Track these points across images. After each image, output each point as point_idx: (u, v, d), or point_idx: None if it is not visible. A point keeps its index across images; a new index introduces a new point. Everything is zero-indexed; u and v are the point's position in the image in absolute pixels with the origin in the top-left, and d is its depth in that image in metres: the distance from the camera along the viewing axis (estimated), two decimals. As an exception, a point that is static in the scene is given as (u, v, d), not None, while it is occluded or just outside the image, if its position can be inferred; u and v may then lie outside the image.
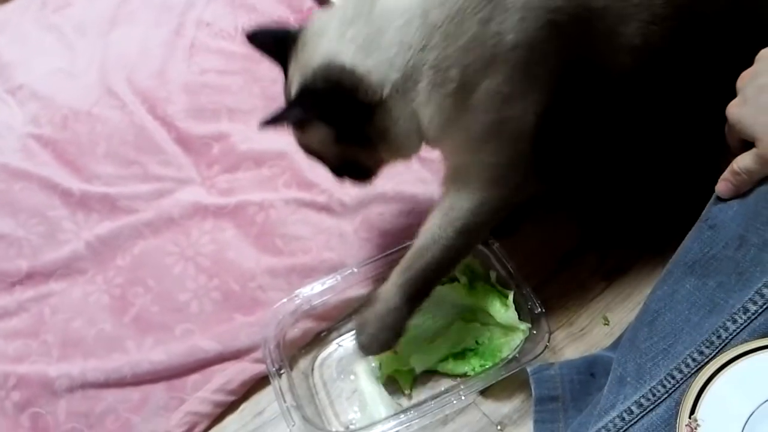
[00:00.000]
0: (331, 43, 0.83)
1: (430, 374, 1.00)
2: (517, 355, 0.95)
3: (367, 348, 0.94)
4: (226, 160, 1.25)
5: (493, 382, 0.93)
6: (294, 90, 0.88)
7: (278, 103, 1.27)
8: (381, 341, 0.92)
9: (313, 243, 1.13)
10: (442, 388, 0.98)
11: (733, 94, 0.80)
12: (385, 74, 0.81)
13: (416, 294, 0.90)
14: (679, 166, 1.05)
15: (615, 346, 0.95)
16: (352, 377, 1.01)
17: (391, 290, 0.91)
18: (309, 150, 0.95)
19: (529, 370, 0.92)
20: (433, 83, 0.82)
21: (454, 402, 0.91)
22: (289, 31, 0.90)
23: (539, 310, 0.96)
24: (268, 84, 1.34)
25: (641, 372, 0.77)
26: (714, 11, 0.87)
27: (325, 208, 1.16)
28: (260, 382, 1.02)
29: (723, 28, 0.88)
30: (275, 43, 0.91)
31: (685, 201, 0.91)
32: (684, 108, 0.95)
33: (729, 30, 0.89)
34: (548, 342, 0.93)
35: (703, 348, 0.75)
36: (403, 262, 0.91)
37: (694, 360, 0.75)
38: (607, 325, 1.01)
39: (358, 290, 1.06)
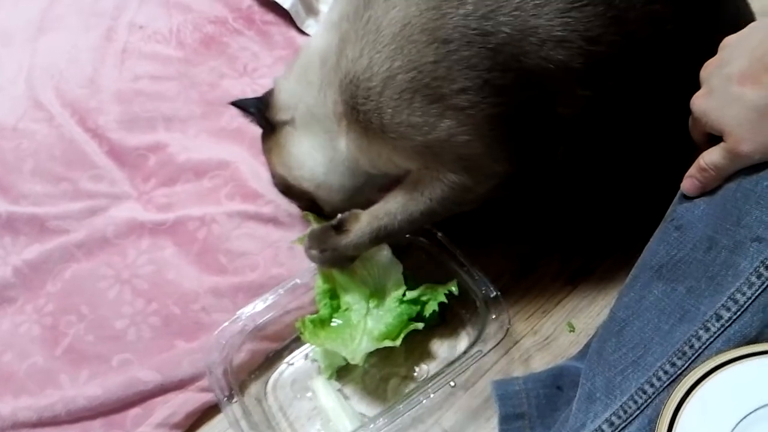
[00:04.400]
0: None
1: (392, 377, 0.95)
2: (480, 340, 0.90)
3: (321, 263, 0.97)
4: (163, 173, 1.18)
5: (457, 375, 0.88)
6: None
7: (217, 108, 1.22)
8: (338, 263, 0.96)
9: (260, 258, 1.06)
10: (407, 390, 0.93)
11: (695, 85, 0.75)
12: (289, 101, 0.97)
13: (384, 238, 0.94)
14: (641, 161, 1.01)
15: (582, 354, 0.90)
16: (309, 395, 0.95)
17: (361, 237, 0.92)
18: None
19: (492, 386, 0.87)
20: (336, 117, 0.91)
21: (423, 401, 0.87)
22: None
23: (494, 293, 0.92)
24: (206, 89, 1.27)
25: (611, 387, 0.72)
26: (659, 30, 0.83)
27: (272, 220, 1.10)
28: (209, 412, 0.96)
29: (675, 37, 0.84)
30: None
31: (649, 198, 0.87)
32: (645, 105, 0.90)
33: (685, 32, 0.84)
34: (509, 325, 0.90)
35: (675, 359, 0.71)
36: (375, 211, 0.93)
37: (666, 372, 0.70)
38: (573, 332, 0.97)
39: (305, 302, 1.00)
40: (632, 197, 1.02)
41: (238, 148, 1.18)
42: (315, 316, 0.96)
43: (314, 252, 0.95)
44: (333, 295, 0.98)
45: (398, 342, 0.91)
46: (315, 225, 0.99)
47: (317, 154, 0.97)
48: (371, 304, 0.96)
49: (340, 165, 0.96)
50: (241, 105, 1.05)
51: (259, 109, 1.01)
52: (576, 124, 0.88)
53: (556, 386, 0.87)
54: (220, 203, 1.13)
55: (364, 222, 0.93)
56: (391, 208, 0.92)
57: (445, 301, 0.94)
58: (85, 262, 1.08)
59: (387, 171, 0.95)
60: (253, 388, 0.97)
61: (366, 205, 0.96)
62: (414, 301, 0.95)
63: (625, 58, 0.82)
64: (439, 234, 0.99)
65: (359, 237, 0.93)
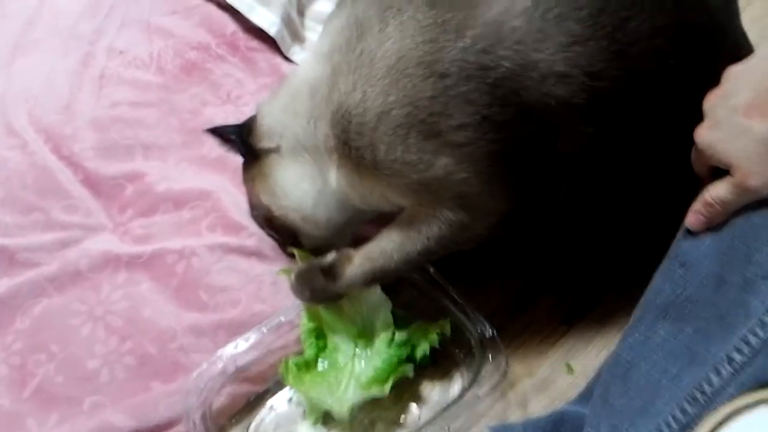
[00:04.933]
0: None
1: (381, 423, 0.91)
2: (476, 382, 0.86)
3: (307, 301, 0.93)
4: (141, 203, 1.12)
5: (452, 421, 0.85)
6: None
7: (199, 137, 1.17)
8: (325, 301, 0.92)
9: (242, 294, 1.01)
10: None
11: (697, 118, 0.72)
12: (275, 128, 0.93)
13: (378, 280, 0.91)
14: (640, 196, 0.98)
15: (583, 398, 0.86)
16: None
17: (355, 273, 0.89)
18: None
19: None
20: (327, 151, 0.87)
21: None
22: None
23: (491, 333, 0.89)
24: (187, 117, 1.22)
25: None
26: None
27: (255, 254, 1.05)
28: None
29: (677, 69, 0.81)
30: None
31: (646, 235, 0.87)
32: (646, 140, 0.88)
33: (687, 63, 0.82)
34: (507, 367, 0.87)
35: (685, 405, 0.67)
36: (368, 252, 0.89)
37: (676, 419, 0.67)
38: (572, 373, 0.93)
39: (290, 341, 0.95)
40: (629, 234, 1.00)
41: (220, 177, 1.13)
42: (300, 358, 0.91)
43: (300, 294, 0.91)
44: (319, 334, 0.93)
45: (386, 389, 0.87)
46: (300, 260, 0.94)
47: (305, 185, 0.93)
48: (359, 346, 0.92)
49: (329, 198, 0.92)
50: (220, 132, 1.02)
51: (241, 136, 0.97)
52: (577, 160, 0.85)
53: (557, 432, 0.83)
54: (200, 235, 1.08)
55: (356, 264, 0.89)
56: (386, 247, 0.88)
57: (437, 345, 0.90)
58: (57, 297, 1.02)
59: (379, 207, 0.91)
60: (234, 434, 0.91)
61: (351, 240, 0.92)
62: (404, 343, 0.91)
63: (628, 92, 0.80)
64: (432, 269, 0.95)
65: (351, 280, 0.89)
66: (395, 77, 0.79)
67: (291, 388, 0.92)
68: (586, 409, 0.82)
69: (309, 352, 0.92)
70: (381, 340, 0.91)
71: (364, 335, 0.92)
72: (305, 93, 0.90)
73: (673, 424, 0.66)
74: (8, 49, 1.35)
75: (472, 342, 0.90)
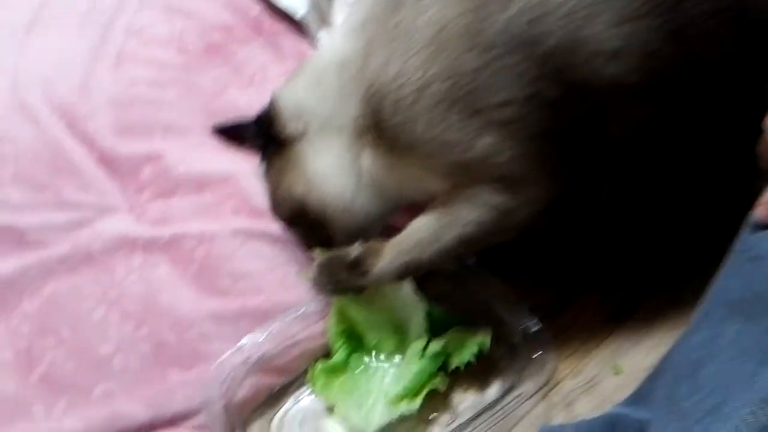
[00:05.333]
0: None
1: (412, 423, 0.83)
2: (523, 380, 0.80)
3: (329, 294, 0.87)
4: (159, 184, 1.07)
5: (496, 423, 0.78)
6: None
7: (220, 118, 1.12)
8: (349, 292, 0.86)
9: (266, 281, 0.95)
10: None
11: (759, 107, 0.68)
12: (299, 112, 0.86)
13: (410, 274, 0.84)
14: (692, 189, 0.93)
15: (633, 400, 0.81)
16: None
17: (385, 269, 0.82)
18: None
19: (536, 433, 0.76)
20: (358, 132, 0.82)
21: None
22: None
23: (536, 327, 0.83)
24: (209, 98, 1.17)
25: None
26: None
27: (280, 240, 0.99)
28: None
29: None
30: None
31: (696, 229, 0.83)
32: (701, 127, 0.83)
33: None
34: (557, 366, 0.81)
35: (764, 406, 0.61)
36: (400, 243, 0.82)
37: (753, 420, 0.61)
38: (619, 374, 0.87)
39: (316, 332, 0.90)
40: (679, 228, 0.94)
41: (242, 161, 1.07)
42: (328, 362, 0.86)
43: (323, 289, 0.85)
44: (350, 335, 0.88)
45: (416, 405, 0.81)
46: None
47: (343, 171, 0.86)
48: (390, 351, 0.87)
49: (366, 186, 0.86)
50: (234, 131, 0.96)
51: (261, 127, 0.91)
52: (626, 146, 0.80)
53: (610, 436, 0.77)
54: (222, 219, 1.02)
55: (386, 258, 0.82)
56: (421, 237, 0.81)
57: (473, 361, 0.84)
58: (67, 279, 0.97)
59: (412, 195, 0.85)
60: (256, 428, 0.86)
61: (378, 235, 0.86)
62: (438, 354, 0.84)
63: (682, 76, 0.75)
64: (472, 260, 0.89)
65: (381, 276, 0.83)
66: (436, 49, 0.74)
67: (318, 397, 0.86)
68: (638, 413, 0.77)
69: (339, 356, 0.86)
70: (413, 349, 0.85)
71: (396, 338, 0.87)
72: (333, 71, 0.84)
73: (751, 425, 0.61)
74: (23, 26, 1.29)
75: (515, 338, 0.83)
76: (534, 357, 0.81)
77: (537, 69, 0.72)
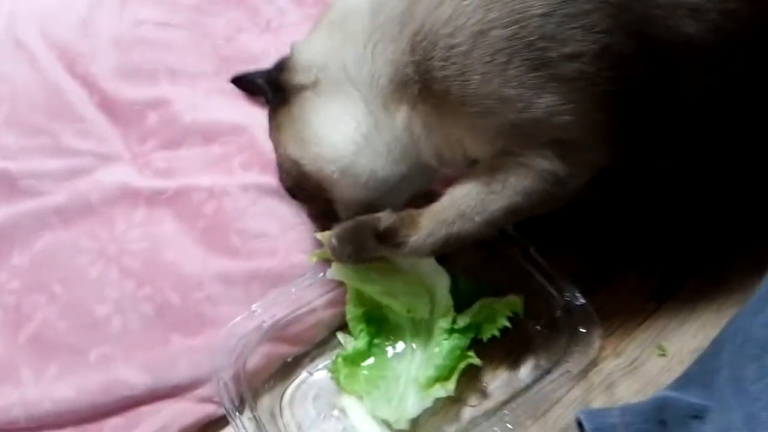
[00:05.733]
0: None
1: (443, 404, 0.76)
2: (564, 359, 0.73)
3: (347, 261, 0.77)
4: (165, 133, 0.99)
5: (536, 403, 0.72)
6: None
7: (233, 65, 1.03)
8: (360, 261, 0.77)
9: (280, 242, 0.87)
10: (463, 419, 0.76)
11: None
12: (314, 59, 0.79)
13: (450, 248, 0.74)
14: (738, 162, 0.86)
15: (681, 384, 0.74)
16: (335, 413, 0.78)
17: (422, 241, 0.73)
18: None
19: (582, 418, 0.70)
20: (394, 85, 0.73)
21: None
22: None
23: (581, 301, 0.76)
24: (221, 42, 1.08)
25: (754, 423, 0.59)
26: None
27: (297, 198, 0.90)
28: (208, 429, 0.78)
29: None
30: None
31: (745, 204, 0.80)
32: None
33: None
34: (603, 342, 0.74)
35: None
36: (440, 213, 0.73)
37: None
38: (664, 355, 0.80)
39: (335, 299, 0.82)
40: (726, 207, 0.88)
41: (258, 111, 0.99)
42: (350, 350, 0.78)
43: (342, 253, 0.76)
44: (370, 319, 0.80)
45: (452, 387, 0.74)
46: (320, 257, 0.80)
47: (346, 126, 0.77)
48: (415, 331, 0.79)
49: (378, 145, 0.77)
50: (247, 81, 0.89)
51: (271, 76, 0.82)
52: (688, 115, 0.73)
53: (660, 420, 0.70)
54: (233, 173, 0.94)
55: (425, 230, 0.73)
56: (464, 206, 0.73)
57: (508, 325, 0.77)
58: (63, 232, 0.90)
59: (450, 161, 0.77)
60: (266, 401, 0.79)
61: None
62: (467, 329, 0.77)
63: (755, 42, 0.69)
64: (509, 227, 0.81)
65: (416, 249, 0.74)
66: None
67: (343, 393, 0.78)
68: (689, 396, 0.70)
69: (360, 342, 0.79)
70: (440, 326, 0.77)
71: (420, 318, 0.79)
72: (365, 12, 0.75)
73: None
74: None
75: (557, 311, 0.76)
76: (578, 334, 0.73)
77: (612, 18, 0.64)
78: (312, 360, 0.82)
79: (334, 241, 0.75)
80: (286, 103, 0.81)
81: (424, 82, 0.70)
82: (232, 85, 1.03)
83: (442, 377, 0.74)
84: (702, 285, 0.86)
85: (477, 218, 0.72)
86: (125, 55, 1.05)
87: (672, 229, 0.89)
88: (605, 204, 0.88)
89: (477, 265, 0.83)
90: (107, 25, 1.09)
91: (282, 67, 0.82)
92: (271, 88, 0.84)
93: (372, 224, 0.74)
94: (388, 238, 0.73)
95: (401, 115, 0.75)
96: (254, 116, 0.98)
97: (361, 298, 0.80)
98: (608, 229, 0.89)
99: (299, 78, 0.79)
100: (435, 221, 0.73)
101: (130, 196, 0.92)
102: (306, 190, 0.83)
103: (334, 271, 0.78)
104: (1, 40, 1.08)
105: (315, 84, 0.78)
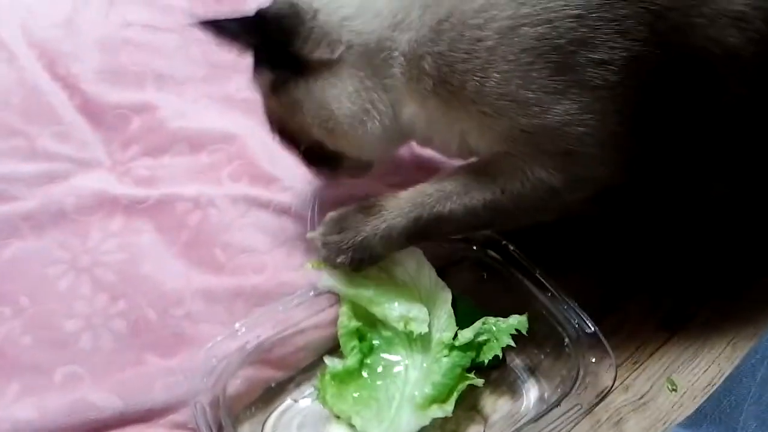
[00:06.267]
0: None
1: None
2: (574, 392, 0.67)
3: (328, 257, 0.73)
4: (149, 140, 0.94)
5: None
6: None
7: (224, 72, 0.99)
8: (360, 262, 0.73)
9: (269, 258, 0.82)
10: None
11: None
12: (339, 34, 0.70)
13: (420, 235, 0.73)
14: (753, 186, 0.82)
15: (694, 422, 0.69)
16: None
17: (397, 220, 0.71)
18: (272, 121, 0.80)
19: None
20: (413, 72, 0.68)
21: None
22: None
23: (590, 328, 0.71)
24: (211, 49, 1.01)
25: None
26: None
27: (287, 212, 0.86)
28: None
29: None
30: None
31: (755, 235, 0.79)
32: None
33: None
34: (616, 373, 0.69)
35: None
36: (423, 187, 0.72)
37: None
38: (675, 391, 0.75)
39: (324, 321, 0.77)
40: (738, 233, 0.85)
41: (248, 120, 0.94)
42: (339, 368, 0.72)
43: (331, 243, 0.72)
44: (363, 335, 0.75)
45: (450, 407, 0.69)
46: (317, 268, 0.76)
47: (371, 116, 0.72)
48: (412, 348, 0.74)
49: (383, 130, 0.73)
50: (219, 24, 0.73)
51: (272, 38, 0.71)
52: (717, 128, 0.69)
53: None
54: (220, 184, 0.89)
55: (403, 199, 0.71)
56: (448, 189, 0.70)
57: (512, 343, 0.71)
58: (33, 240, 0.84)
59: (443, 147, 0.74)
60: (247, 429, 0.72)
61: None
62: (468, 347, 0.72)
63: None
64: (512, 247, 0.77)
65: (393, 219, 0.71)
66: None
67: (329, 411, 0.71)
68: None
69: (351, 360, 0.73)
70: (439, 343, 0.72)
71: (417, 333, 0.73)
72: None
73: None
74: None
75: (565, 339, 0.71)
76: (588, 364, 0.67)
77: (648, 27, 0.61)
78: (297, 386, 0.76)
79: (322, 228, 0.73)
80: (304, 78, 0.72)
81: (440, 77, 0.66)
82: (222, 93, 0.99)
83: (440, 397, 0.69)
84: (713, 316, 0.82)
85: (455, 200, 0.69)
86: (110, 57, 1.01)
87: (682, 253, 0.85)
88: (612, 224, 0.84)
89: (475, 285, 0.79)
90: (92, 25, 1.05)
91: (291, 30, 0.70)
92: (270, 51, 0.73)
93: (359, 205, 0.73)
94: (368, 209, 0.72)
95: (410, 104, 0.71)
96: (244, 126, 0.94)
97: (355, 312, 0.75)
98: (615, 252, 0.85)
99: (322, 52, 0.70)
100: (415, 192, 0.72)
101: (107, 204, 0.86)
102: (309, 150, 0.78)
103: (327, 280, 0.73)
104: (-21, 38, 1.02)
105: (341, 62, 0.70)
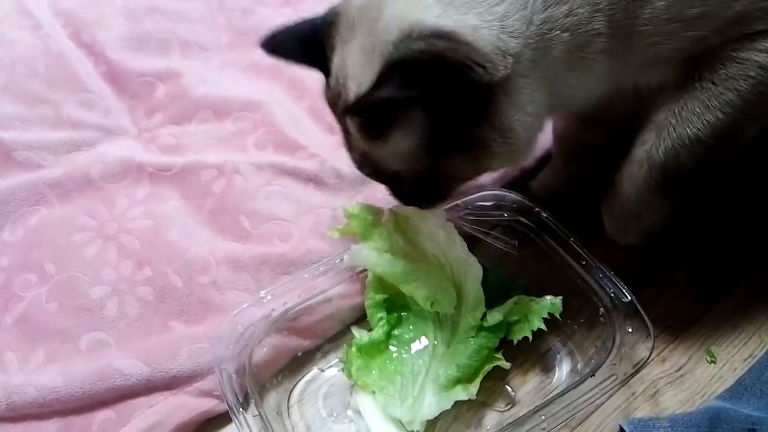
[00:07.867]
0: (404, 5, 0.58)
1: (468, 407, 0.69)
2: (609, 362, 0.64)
3: (616, 234, 0.75)
4: (174, 107, 0.93)
5: (573, 411, 0.63)
6: (366, 77, 0.58)
7: (250, 38, 0.97)
8: (635, 233, 0.74)
9: (295, 226, 0.81)
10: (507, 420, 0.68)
11: None
12: (499, 41, 0.57)
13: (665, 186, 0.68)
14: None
15: (737, 393, 0.67)
16: (348, 413, 0.71)
17: (636, 172, 0.68)
18: (375, 163, 0.65)
19: (626, 428, 0.61)
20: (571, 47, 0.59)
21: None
22: (315, 20, 0.65)
23: (627, 298, 0.68)
24: (237, 15, 1.03)
25: None
26: None
27: (313, 180, 0.85)
28: (207, 426, 0.71)
29: None
30: (301, 42, 0.67)
31: None
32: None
33: None
34: (653, 344, 0.65)
35: None
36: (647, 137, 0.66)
37: None
38: (714, 362, 0.72)
39: (352, 290, 0.75)
40: None
41: (274, 87, 0.93)
42: (365, 339, 0.71)
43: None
44: (390, 306, 0.73)
45: (474, 390, 0.67)
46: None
47: (532, 123, 0.62)
48: (439, 325, 0.71)
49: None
50: (279, 42, 0.68)
51: (415, 75, 0.56)
52: None
53: (714, 433, 0.62)
54: (245, 151, 0.88)
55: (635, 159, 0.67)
56: (680, 111, 0.63)
57: (543, 327, 0.69)
58: (59, 207, 0.84)
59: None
60: (272, 398, 0.71)
61: None
62: (497, 327, 0.69)
63: None
64: (545, 214, 0.74)
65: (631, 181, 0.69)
66: None
67: (357, 391, 0.70)
68: (745, 408, 0.62)
69: (377, 332, 0.71)
70: (467, 323, 0.70)
71: (452, 300, 0.71)
72: None
73: None
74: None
75: (601, 309, 0.69)
76: (624, 334, 0.65)
77: None
78: (324, 355, 0.75)
79: None
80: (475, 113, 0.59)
81: (613, 26, 0.58)
82: (247, 60, 0.97)
83: (464, 378, 0.67)
84: (753, 288, 0.79)
85: (697, 128, 0.62)
86: (135, 24, 1.00)
87: (723, 224, 0.82)
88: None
89: (506, 254, 0.76)
90: (118, -10, 1.03)
91: (462, 64, 0.56)
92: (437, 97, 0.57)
93: None
94: None
95: (567, 86, 0.62)
96: (270, 93, 0.92)
97: (382, 284, 0.73)
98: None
99: (486, 76, 0.56)
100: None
101: (133, 172, 0.85)
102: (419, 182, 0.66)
103: (354, 256, 0.71)
104: (6, 6, 1.02)
105: (507, 78, 0.58)
